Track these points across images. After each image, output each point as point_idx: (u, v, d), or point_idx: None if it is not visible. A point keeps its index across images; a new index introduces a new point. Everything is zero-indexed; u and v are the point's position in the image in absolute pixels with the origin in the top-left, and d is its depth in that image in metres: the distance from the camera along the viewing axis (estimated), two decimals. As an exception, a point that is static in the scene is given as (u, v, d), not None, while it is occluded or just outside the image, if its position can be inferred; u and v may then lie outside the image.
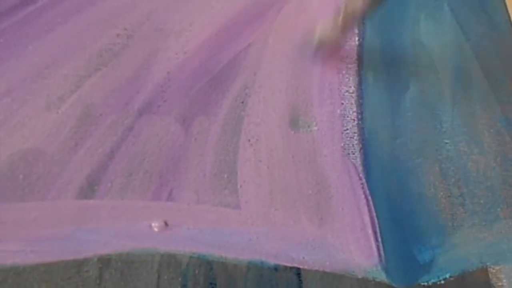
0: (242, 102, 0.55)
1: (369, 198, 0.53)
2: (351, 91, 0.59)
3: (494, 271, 0.53)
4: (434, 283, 0.51)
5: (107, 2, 0.55)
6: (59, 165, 0.47)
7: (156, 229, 0.48)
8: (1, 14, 0.52)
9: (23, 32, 0.52)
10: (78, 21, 0.54)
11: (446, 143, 0.59)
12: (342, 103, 0.58)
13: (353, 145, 0.56)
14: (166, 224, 0.48)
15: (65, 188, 0.47)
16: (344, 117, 0.58)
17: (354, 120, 0.58)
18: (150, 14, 0.57)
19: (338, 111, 0.58)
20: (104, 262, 0.46)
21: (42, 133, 0.48)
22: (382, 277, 0.50)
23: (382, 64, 0.63)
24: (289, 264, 0.49)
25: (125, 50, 0.54)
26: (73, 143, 0.49)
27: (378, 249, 0.51)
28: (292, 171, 0.53)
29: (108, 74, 0.53)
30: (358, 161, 0.55)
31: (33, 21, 0.53)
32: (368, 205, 0.53)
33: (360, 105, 0.59)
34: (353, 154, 0.56)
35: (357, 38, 0.63)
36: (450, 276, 0.52)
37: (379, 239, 0.51)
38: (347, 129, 0.57)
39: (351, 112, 0.58)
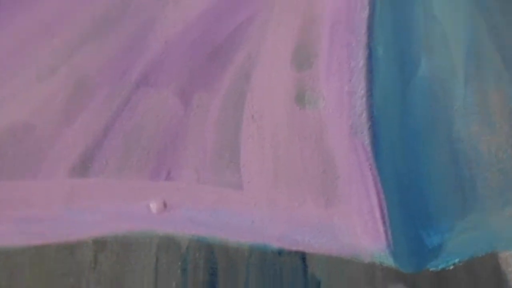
0: (245, 75, 0.52)
1: (377, 179, 0.51)
2: (360, 65, 0.56)
3: (504, 256, 0.51)
4: (443, 268, 0.50)
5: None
6: (51, 140, 0.45)
7: (154, 210, 0.46)
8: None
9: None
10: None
11: (457, 122, 0.56)
12: (351, 79, 0.55)
13: (361, 123, 0.53)
14: (164, 204, 0.46)
15: (56, 166, 0.44)
16: (353, 93, 0.55)
17: (363, 97, 0.55)
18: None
19: (346, 87, 0.55)
20: (99, 244, 0.44)
21: (32, 107, 0.46)
22: (389, 262, 0.48)
23: (392, 37, 0.60)
24: (293, 248, 0.47)
25: (120, 18, 0.51)
26: (65, 117, 0.46)
27: (386, 233, 0.49)
28: (297, 150, 0.51)
29: (103, 43, 0.49)
30: (366, 140, 0.53)
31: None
32: (376, 187, 0.51)
33: (369, 81, 0.56)
34: (361, 133, 0.53)
35: (367, 10, 0.59)
36: (459, 261, 0.50)
37: (387, 223, 0.49)
38: (356, 106, 0.54)
39: (359, 89, 0.55)
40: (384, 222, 0.49)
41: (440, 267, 0.50)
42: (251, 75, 0.52)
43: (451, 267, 0.50)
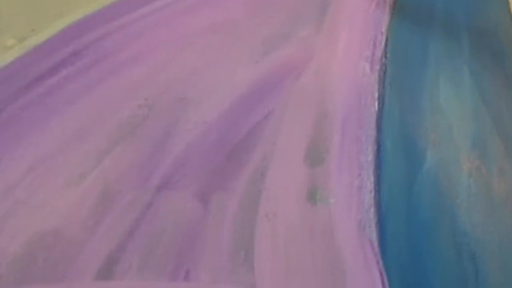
0: (261, 175, 0.55)
1: (384, 276, 0.53)
2: (369, 160, 0.59)
3: None
4: None
5: (129, 71, 0.55)
6: (78, 245, 0.47)
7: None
8: (25, 87, 0.52)
9: (45, 105, 0.52)
10: (100, 92, 0.54)
11: (461, 216, 0.58)
12: (360, 174, 0.58)
13: (369, 218, 0.56)
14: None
15: (83, 269, 0.47)
16: (361, 188, 0.57)
17: (371, 191, 0.57)
18: (171, 82, 0.57)
19: (356, 182, 0.57)
20: None
21: (62, 213, 0.48)
22: None
23: (400, 130, 0.62)
24: None
25: (145, 122, 0.54)
26: (92, 222, 0.49)
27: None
28: (308, 248, 0.53)
29: (128, 148, 0.52)
30: (374, 236, 0.55)
31: (56, 92, 0.53)
32: (383, 285, 0.53)
33: (378, 175, 0.58)
34: (369, 228, 0.55)
35: (376, 105, 0.62)
36: None
37: (394, 323, 0.51)
38: (364, 201, 0.57)
39: (368, 184, 0.58)
40: (391, 323, 0.51)
41: None
42: (266, 174, 0.55)
43: None
